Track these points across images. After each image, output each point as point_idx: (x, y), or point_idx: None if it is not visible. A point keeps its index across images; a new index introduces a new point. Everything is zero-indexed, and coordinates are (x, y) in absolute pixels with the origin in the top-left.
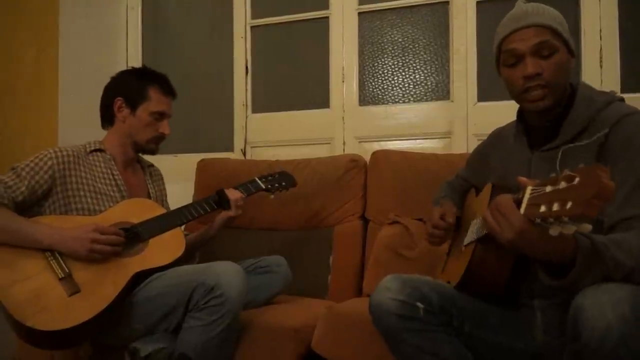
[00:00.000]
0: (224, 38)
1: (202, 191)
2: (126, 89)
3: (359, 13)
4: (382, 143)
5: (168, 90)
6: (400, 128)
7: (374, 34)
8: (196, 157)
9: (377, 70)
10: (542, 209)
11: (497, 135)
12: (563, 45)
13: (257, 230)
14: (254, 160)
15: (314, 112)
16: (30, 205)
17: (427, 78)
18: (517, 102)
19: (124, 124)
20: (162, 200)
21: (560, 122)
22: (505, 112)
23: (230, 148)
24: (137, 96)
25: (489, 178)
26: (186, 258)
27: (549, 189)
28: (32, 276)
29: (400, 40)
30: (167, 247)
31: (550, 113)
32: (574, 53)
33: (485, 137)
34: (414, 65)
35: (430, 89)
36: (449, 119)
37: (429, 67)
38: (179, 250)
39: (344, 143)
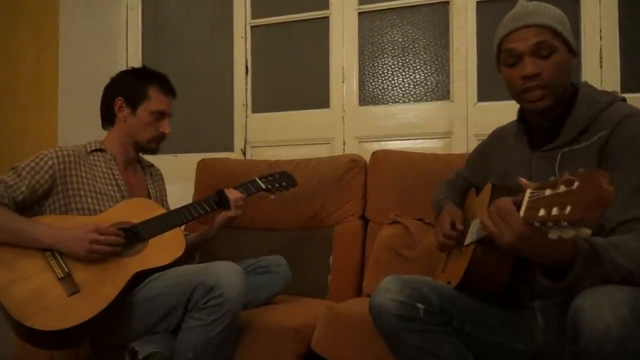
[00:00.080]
0: (224, 38)
1: (202, 191)
2: (126, 89)
3: (359, 13)
4: (382, 143)
5: (168, 89)
6: (400, 128)
7: (374, 34)
8: (196, 157)
9: (377, 70)
10: (542, 212)
11: (498, 135)
12: (563, 45)
13: (257, 230)
14: (254, 160)
15: (313, 112)
16: (30, 205)
17: (427, 78)
18: (517, 101)
19: (124, 124)
20: (162, 200)
21: (562, 122)
22: (505, 112)
23: (230, 148)
24: (137, 96)
25: (489, 177)
26: (186, 258)
27: (548, 192)
28: (32, 276)
29: (400, 40)
30: (167, 247)
31: (551, 113)
32: (575, 53)
33: (485, 137)
34: (414, 65)
35: (430, 89)
36: (449, 119)
37: (429, 67)
38: (179, 251)
39: (344, 143)
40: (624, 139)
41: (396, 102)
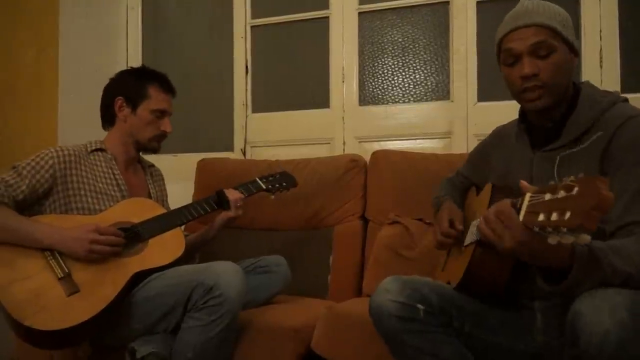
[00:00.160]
0: (224, 38)
1: (202, 191)
2: (126, 89)
3: (359, 13)
4: (382, 143)
5: (168, 88)
6: (400, 128)
7: (374, 34)
8: (196, 157)
9: (377, 70)
10: (541, 217)
11: (499, 134)
12: (563, 45)
13: (257, 230)
14: (254, 160)
15: (313, 112)
16: (30, 204)
17: (427, 78)
18: (517, 101)
19: (125, 124)
20: (162, 200)
21: (563, 123)
22: (505, 112)
23: (230, 148)
24: (137, 95)
25: (490, 177)
26: (186, 259)
27: (547, 196)
28: (32, 275)
29: (400, 40)
30: (167, 247)
31: (552, 113)
32: (577, 52)
33: (485, 137)
34: (414, 65)
35: (430, 89)
36: (449, 119)
37: (429, 67)
38: (178, 251)
39: (344, 143)
40: (626, 141)
41: (396, 102)
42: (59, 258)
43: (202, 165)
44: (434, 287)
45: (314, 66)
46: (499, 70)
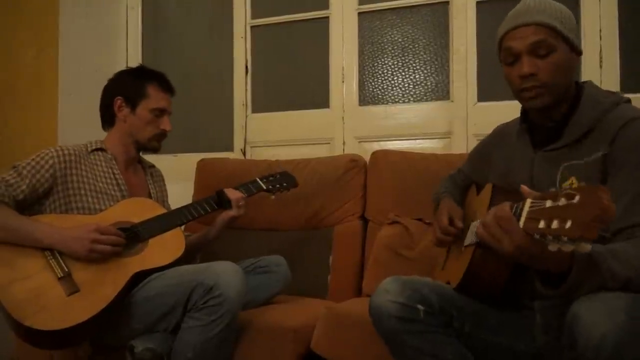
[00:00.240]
0: (224, 38)
1: (202, 191)
2: (125, 88)
3: (359, 13)
4: (381, 143)
5: (166, 87)
6: (400, 128)
7: (374, 34)
8: (196, 157)
9: (377, 70)
10: (541, 224)
11: (500, 132)
12: (564, 44)
13: (257, 230)
14: (254, 160)
15: (313, 112)
16: (31, 204)
17: (427, 78)
18: (517, 99)
19: (124, 124)
20: (162, 201)
21: (565, 122)
22: (505, 112)
23: (230, 148)
24: (136, 95)
25: (490, 175)
26: (187, 259)
27: (548, 203)
28: (32, 275)
29: (400, 40)
30: (167, 247)
31: (553, 112)
32: (579, 51)
33: (485, 137)
34: (414, 65)
35: (430, 89)
36: (449, 119)
37: (428, 67)
38: (179, 251)
39: (343, 143)
40: (628, 143)
41: (396, 102)
42: (59, 258)
43: (202, 166)
44: (434, 288)
45: (314, 66)
46: (498, 70)
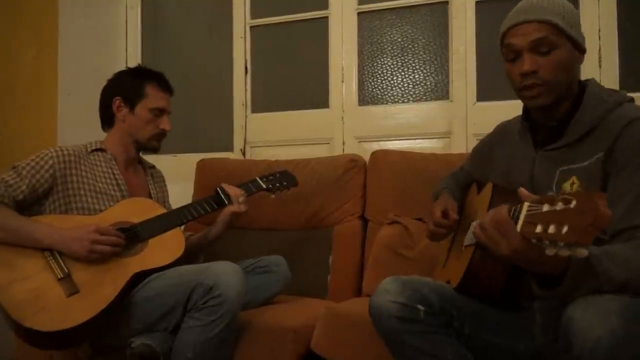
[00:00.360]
0: (224, 38)
1: (202, 191)
2: (123, 89)
3: (359, 13)
4: (381, 143)
5: (165, 86)
6: (399, 128)
7: (374, 34)
8: (196, 157)
9: (376, 70)
10: (538, 229)
11: (502, 130)
12: (567, 42)
13: (257, 230)
14: (254, 160)
15: (313, 112)
16: (30, 204)
17: (427, 78)
18: (519, 98)
19: (124, 124)
20: (163, 201)
21: (568, 121)
22: (504, 112)
23: (229, 148)
24: (134, 95)
25: (492, 173)
26: (188, 259)
27: (546, 207)
28: (31, 276)
29: (399, 40)
30: (167, 247)
31: (555, 111)
32: (582, 49)
33: (484, 137)
34: (414, 65)
35: (429, 89)
36: (448, 119)
37: (428, 67)
38: (178, 251)
39: (343, 143)
40: (630, 143)
41: (395, 102)
42: (59, 258)
43: (201, 166)
44: (434, 288)
45: (314, 66)
46: (497, 69)
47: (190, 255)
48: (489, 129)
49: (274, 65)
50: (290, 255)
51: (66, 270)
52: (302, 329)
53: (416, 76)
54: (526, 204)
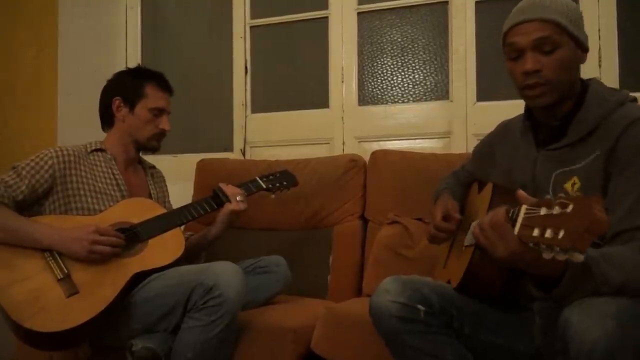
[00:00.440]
0: (223, 38)
1: (202, 191)
2: (123, 89)
3: (358, 13)
4: (381, 143)
5: (165, 86)
6: (399, 128)
7: (373, 34)
8: (195, 157)
9: (376, 70)
10: (536, 232)
11: (504, 129)
12: (570, 41)
13: (257, 230)
14: (254, 160)
15: (313, 112)
16: (30, 205)
17: (427, 78)
18: (521, 97)
19: (123, 124)
20: (163, 201)
21: (570, 121)
22: (504, 111)
23: (229, 148)
24: (134, 94)
25: (494, 172)
26: (189, 259)
27: (543, 211)
28: (31, 276)
29: (399, 40)
30: (166, 247)
31: (557, 110)
32: (585, 48)
33: (484, 137)
34: (413, 65)
35: (429, 89)
36: (448, 119)
37: (428, 67)
38: (178, 251)
39: (343, 143)
40: (633, 143)
41: (395, 102)
42: (59, 259)
43: (201, 166)
44: (434, 288)
45: (314, 66)
46: (497, 69)
47: (190, 255)
48: (489, 129)
49: (274, 65)
50: (290, 255)
51: (66, 271)
52: (302, 329)
53: (416, 76)
54: (524, 207)
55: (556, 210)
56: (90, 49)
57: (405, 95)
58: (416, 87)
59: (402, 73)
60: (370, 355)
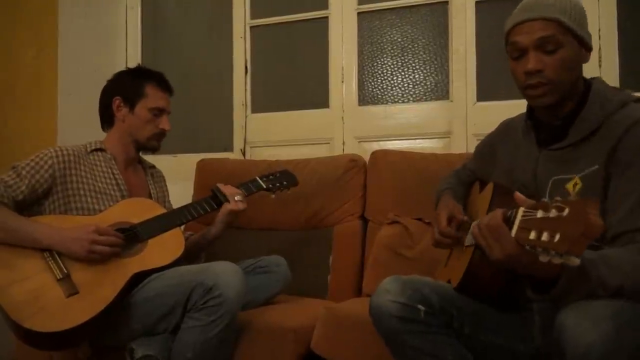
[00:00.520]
0: (224, 38)
1: (202, 191)
2: (123, 88)
3: (359, 13)
4: (381, 143)
5: (165, 86)
6: (399, 128)
7: (374, 34)
8: (195, 157)
9: (376, 70)
10: (532, 235)
11: (506, 128)
12: (573, 40)
13: (257, 230)
14: (254, 160)
15: (313, 112)
16: (30, 205)
17: (427, 78)
18: (523, 96)
19: (123, 123)
20: (163, 201)
21: (572, 120)
22: (505, 112)
23: (229, 148)
24: (134, 94)
25: (496, 171)
26: (189, 259)
27: (540, 214)
28: (31, 276)
29: (399, 40)
30: (166, 247)
31: (559, 110)
32: (589, 47)
33: (484, 137)
34: (414, 65)
35: (429, 89)
36: (448, 119)
37: (428, 67)
38: (178, 251)
39: (343, 143)
40: (635, 144)
41: (395, 102)
42: (58, 259)
43: (201, 166)
44: (434, 287)
45: (314, 66)
46: (498, 69)
47: (190, 255)
48: (489, 129)
49: (274, 65)
50: (290, 255)
51: (65, 271)
52: (302, 329)
53: (416, 76)
54: (522, 209)
55: (552, 213)
56: (90, 49)
57: (405, 95)
58: (416, 87)
59: (402, 73)
60: (370, 355)
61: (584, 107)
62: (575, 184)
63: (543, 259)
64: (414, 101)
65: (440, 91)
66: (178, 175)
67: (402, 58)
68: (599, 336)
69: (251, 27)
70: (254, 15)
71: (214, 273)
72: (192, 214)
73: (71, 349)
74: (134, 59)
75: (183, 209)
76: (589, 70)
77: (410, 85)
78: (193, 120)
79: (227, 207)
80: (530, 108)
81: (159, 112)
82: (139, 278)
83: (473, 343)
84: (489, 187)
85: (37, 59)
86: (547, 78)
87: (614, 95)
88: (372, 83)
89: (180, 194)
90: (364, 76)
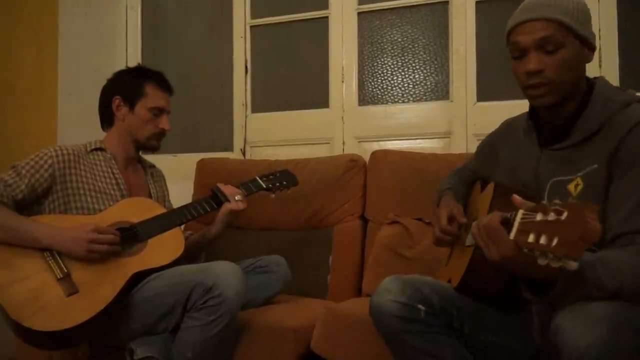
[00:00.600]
0: (224, 38)
1: (202, 191)
2: (123, 88)
3: (359, 13)
4: (381, 143)
5: (165, 86)
6: (399, 128)
7: (374, 34)
8: (195, 157)
9: (376, 70)
10: (531, 238)
11: (508, 127)
12: (575, 40)
13: (257, 230)
14: (254, 160)
15: (313, 112)
16: (30, 204)
17: (427, 78)
18: (524, 96)
19: (123, 123)
20: (163, 200)
21: (574, 121)
22: (505, 112)
23: (229, 148)
24: (134, 94)
25: (497, 171)
26: (189, 258)
27: (539, 217)
28: (31, 276)
29: (399, 40)
30: (166, 247)
31: (561, 110)
32: (592, 46)
33: (484, 137)
34: (414, 65)
35: (429, 89)
36: (449, 119)
37: (428, 67)
38: (178, 251)
39: (343, 143)
40: (636, 146)
41: (396, 102)
42: (58, 258)
43: (201, 166)
44: (434, 287)
45: (314, 66)
46: (498, 70)
47: (190, 255)
48: (489, 129)
49: (274, 65)
50: (290, 255)
51: (65, 270)
52: (302, 329)
53: (416, 76)
54: (521, 212)
55: (551, 216)
56: (90, 49)
57: (405, 95)
58: (416, 87)
59: (402, 73)
60: (370, 355)
61: (586, 107)
62: (577, 185)
63: (541, 262)
64: (414, 101)
65: (441, 91)
66: (178, 175)
67: (402, 58)
68: (595, 339)
69: (251, 27)
70: (254, 15)
71: (214, 273)
72: (192, 214)
73: (71, 349)
74: (134, 59)
75: (183, 209)
76: (589, 70)
77: (411, 85)
78: (193, 120)
79: (227, 206)
80: (532, 108)
81: (158, 111)
82: (138, 278)
83: (473, 343)
84: (490, 187)
85: (37, 59)
86: (547, 78)
87: (617, 96)
88: (372, 83)
89: (180, 193)
90: (364, 76)
